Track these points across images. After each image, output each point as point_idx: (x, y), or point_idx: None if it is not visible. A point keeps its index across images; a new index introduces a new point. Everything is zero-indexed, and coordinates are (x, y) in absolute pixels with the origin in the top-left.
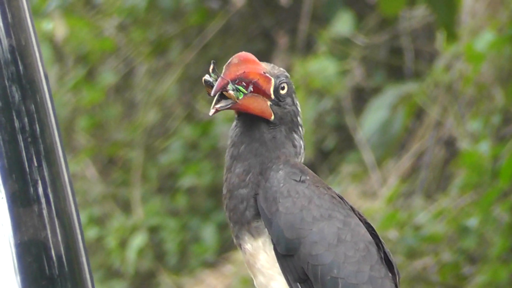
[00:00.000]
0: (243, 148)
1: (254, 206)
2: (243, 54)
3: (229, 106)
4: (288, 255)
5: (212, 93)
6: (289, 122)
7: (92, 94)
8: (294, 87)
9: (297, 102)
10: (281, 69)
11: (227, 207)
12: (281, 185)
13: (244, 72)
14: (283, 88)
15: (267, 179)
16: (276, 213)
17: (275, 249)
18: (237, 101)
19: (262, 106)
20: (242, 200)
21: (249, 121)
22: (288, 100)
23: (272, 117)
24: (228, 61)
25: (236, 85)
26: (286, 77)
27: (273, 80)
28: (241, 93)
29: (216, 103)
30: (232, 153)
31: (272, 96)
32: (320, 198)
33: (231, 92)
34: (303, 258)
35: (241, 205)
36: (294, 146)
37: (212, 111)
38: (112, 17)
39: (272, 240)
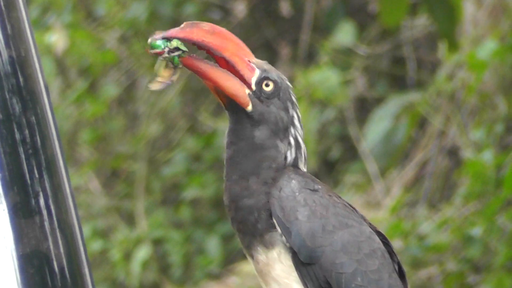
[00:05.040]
0: (233, 150)
1: (265, 218)
2: (222, 29)
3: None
4: (309, 264)
5: (161, 34)
6: (273, 125)
7: (94, 106)
8: (293, 97)
9: (294, 114)
10: (280, 73)
11: (234, 219)
12: (297, 193)
13: (216, 45)
14: (267, 85)
15: (280, 188)
16: (295, 222)
17: (293, 258)
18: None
19: (235, 86)
20: (251, 212)
21: (235, 115)
22: (276, 102)
23: (250, 107)
24: (196, 22)
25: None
26: (279, 78)
27: (257, 71)
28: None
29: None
30: (226, 156)
31: (253, 87)
32: (335, 207)
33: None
34: (325, 266)
35: (250, 216)
36: (278, 152)
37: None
38: (113, 29)
39: (288, 249)
